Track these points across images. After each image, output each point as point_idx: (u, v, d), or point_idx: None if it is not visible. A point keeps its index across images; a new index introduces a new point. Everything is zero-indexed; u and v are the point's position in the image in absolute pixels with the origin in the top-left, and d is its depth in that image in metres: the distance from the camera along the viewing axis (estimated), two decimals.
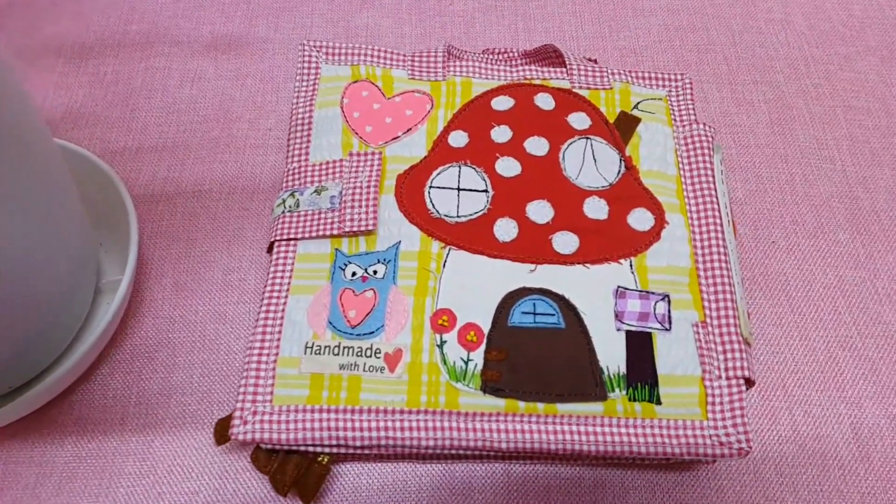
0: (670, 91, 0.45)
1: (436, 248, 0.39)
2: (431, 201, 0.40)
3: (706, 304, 0.38)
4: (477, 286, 0.38)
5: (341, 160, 0.41)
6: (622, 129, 0.43)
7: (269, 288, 0.38)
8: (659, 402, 0.36)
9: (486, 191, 0.40)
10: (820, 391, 0.42)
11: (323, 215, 0.39)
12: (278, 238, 0.40)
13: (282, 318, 0.37)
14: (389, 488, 0.39)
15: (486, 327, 0.37)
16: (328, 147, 0.42)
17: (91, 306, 0.44)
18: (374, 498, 0.39)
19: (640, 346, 0.37)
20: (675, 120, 0.44)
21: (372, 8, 0.57)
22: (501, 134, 0.42)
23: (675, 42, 0.55)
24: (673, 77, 0.45)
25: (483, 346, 0.36)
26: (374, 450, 0.36)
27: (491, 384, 0.36)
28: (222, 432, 0.37)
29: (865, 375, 0.42)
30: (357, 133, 0.42)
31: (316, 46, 0.45)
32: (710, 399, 0.36)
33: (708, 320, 0.38)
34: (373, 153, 0.41)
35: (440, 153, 0.41)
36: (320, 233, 0.39)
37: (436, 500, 0.39)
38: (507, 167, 0.41)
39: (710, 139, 0.42)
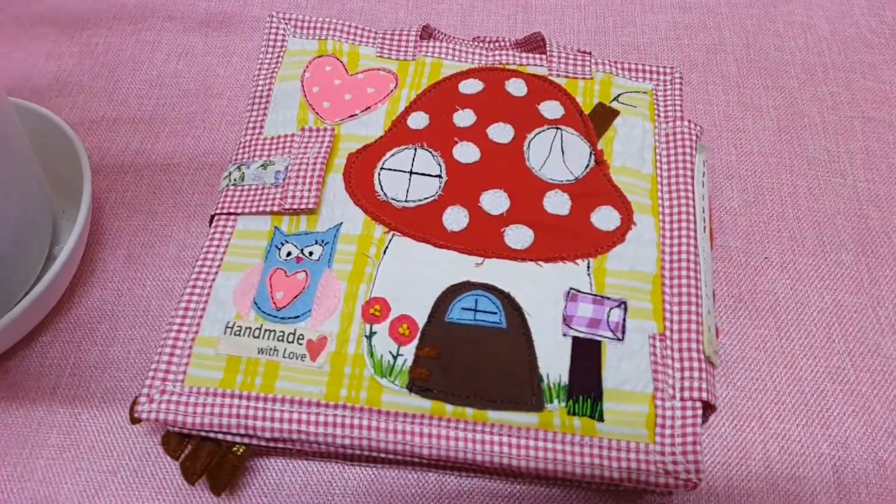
0: (657, 85, 0.42)
1: (378, 232, 0.36)
2: (380, 183, 0.37)
3: (668, 315, 0.35)
4: (417, 276, 0.35)
5: (293, 135, 0.39)
6: (597, 121, 0.39)
7: (199, 262, 0.36)
8: (601, 419, 0.32)
9: (439, 176, 0.37)
10: (801, 426, 0.37)
11: (266, 191, 0.37)
12: (218, 212, 0.38)
13: (208, 294, 0.35)
14: (313, 488, 0.36)
15: (421, 321, 0.34)
16: (283, 122, 0.40)
17: (43, 272, 0.42)
18: (295, 497, 0.36)
19: (586, 355, 0.33)
20: (658, 116, 0.40)
21: None
22: (464, 118, 0.39)
23: (684, 40, 0.51)
24: (662, 70, 0.42)
25: (416, 342, 0.34)
26: (286, 444, 0.33)
27: (419, 383, 0.33)
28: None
29: (856, 413, 0.38)
30: (314, 108, 0.40)
31: (285, 19, 0.43)
32: (659, 420, 0.32)
33: (668, 333, 0.34)
34: (325, 129, 0.38)
35: (397, 134, 0.39)
36: (260, 208, 0.37)
37: None
38: (466, 153, 0.38)
39: (693, 137, 0.39)
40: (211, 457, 0.35)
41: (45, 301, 0.39)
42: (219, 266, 0.36)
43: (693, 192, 0.37)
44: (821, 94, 0.48)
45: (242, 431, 0.33)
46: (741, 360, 0.39)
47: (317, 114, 0.39)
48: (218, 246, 0.37)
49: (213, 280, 0.36)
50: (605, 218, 0.37)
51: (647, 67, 0.42)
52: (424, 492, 0.36)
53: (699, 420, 0.32)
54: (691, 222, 0.36)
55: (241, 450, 0.34)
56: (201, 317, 0.35)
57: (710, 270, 0.36)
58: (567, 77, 0.41)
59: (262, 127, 0.40)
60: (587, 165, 0.38)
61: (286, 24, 0.43)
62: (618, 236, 0.36)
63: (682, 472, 0.31)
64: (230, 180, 0.38)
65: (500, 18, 0.53)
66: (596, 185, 0.37)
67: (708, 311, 0.35)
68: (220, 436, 0.33)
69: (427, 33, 0.43)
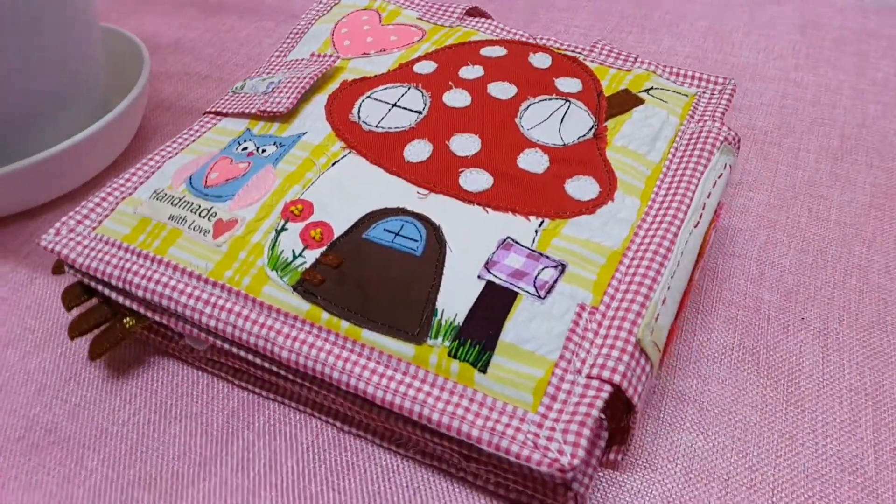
0: (703, 92, 0.37)
1: (336, 147, 0.34)
2: (359, 108, 0.35)
3: (611, 291, 0.28)
4: (354, 193, 0.32)
5: (304, 59, 0.39)
6: (615, 104, 0.35)
7: (169, 141, 0.36)
8: (483, 371, 0.26)
9: (419, 112, 0.35)
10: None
11: (254, 97, 0.37)
12: (208, 110, 0.38)
13: (158, 168, 0.35)
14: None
15: (337, 232, 0.31)
16: (303, 52, 0.40)
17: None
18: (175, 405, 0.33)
19: (494, 302, 0.28)
20: (691, 117, 0.35)
21: None
22: (471, 72, 0.37)
23: (788, 108, 0.46)
24: (713, 79, 0.37)
25: (323, 249, 0.30)
26: (156, 313, 0.31)
27: (306, 285, 0.29)
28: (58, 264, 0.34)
29: None
30: (335, 45, 0.40)
31: None
32: (550, 390, 0.26)
33: (602, 308, 0.28)
34: (329, 55, 0.38)
35: (398, 74, 0.37)
36: (240, 110, 0.36)
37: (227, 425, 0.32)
38: (456, 98, 0.35)
39: (719, 138, 0.33)
40: (100, 320, 0.33)
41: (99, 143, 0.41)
42: (182, 149, 0.36)
43: (695, 186, 0.31)
44: None
45: (120, 284, 0.31)
46: (726, 412, 0.31)
47: (334, 48, 0.39)
48: (191, 134, 0.37)
49: (170, 158, 0.35)
50: (581, 187, 0.32)
51: (698, 74, 0.37)
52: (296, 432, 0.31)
53: (599, 403, 0.25)
54: (680, 211, 0.30)
55: (131, 323, 0.33)
56: (142, 183, 0.34)
57: (689, 269, 0.29)
58: (601, 64, 0.38)
59: (285, 56, 0.41)
60: (582, 136, 0.34)
61: None
62: (588, 207, 0.31)
63: (555, 452, 0.24)
64: (233, 89, 0.39)
65: None
66: (584, 155, 0.33)
67: (662, 303, 0.28)
68: (100, 287, 0.32)
69: (476, 13, 0.42)
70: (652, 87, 0.36)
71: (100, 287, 0.32)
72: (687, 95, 0.36)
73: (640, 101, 0.35)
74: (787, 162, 0.43)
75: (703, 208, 0.31)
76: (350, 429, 0.31)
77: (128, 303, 0.32)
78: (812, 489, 0.28)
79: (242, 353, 0.30)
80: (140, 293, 0.30)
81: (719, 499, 0.28)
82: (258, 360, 0.30)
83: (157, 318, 0.31)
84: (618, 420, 0.29)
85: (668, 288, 0.28)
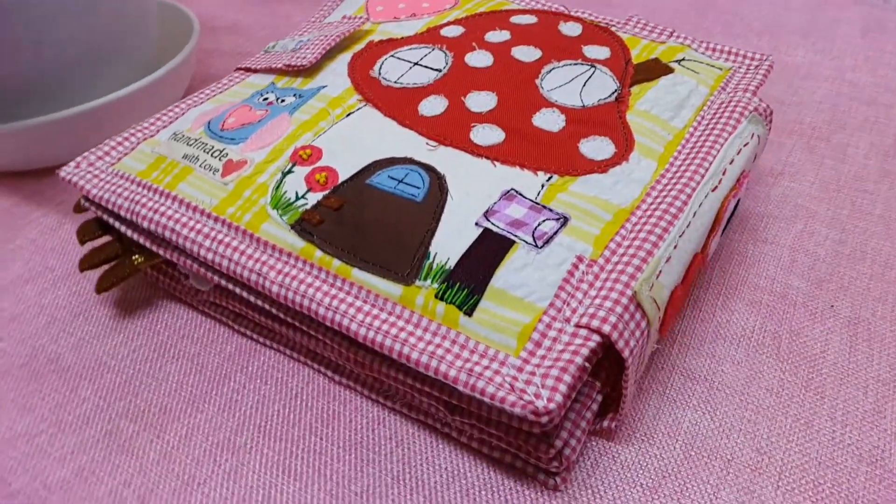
0: (738, 67, 0.35)
1: (353, 100, 0.34)
2: (381, 65, 0.35)
3: (613, 245, 0.27)
4: (364, 142, 0.32)
5: (335, 22, 0.39)
6: (642, 71, 0.34)
7: (197, 93, 0.37)
8: (469, 314, 0.25)
9: (439, 70, 0.34)
10: (784, 490, 0.26)
11: (283, 55, 0.37)
12: (239, 66, 0.38)
13: (182, 114, 0.35)
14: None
15: (342, 177, 0.30)
16: (337, 17, 0.40)
17: None
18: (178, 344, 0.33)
19: (489, 248, 0.27)
20: (722, 89, 0.34)
21: None
22: (497, 36, 0.36)
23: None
24: (750, 55, 0.35)
25: (326, 192, 0.30)
26: (161, 247, 0.31)
27: (304, 224, 0.29)
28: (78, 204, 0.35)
29: None
30: (367, 10, 0.40)
31: None
32: (535, 336, 0.25)
33: (601, 261, 0.26)
34: (359, 18, 0.38)
35: (424, 37, 0.37)
36: (268, 65, 0.37)
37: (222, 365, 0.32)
38: (478, 59, 0.35)
39: (748, 108, 0.31)
40: (110, 256, 0.34)
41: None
42: (207, 99, 0.36)
43: (717, 151, 0.30)
44: None
45: (128, 216, 0.31)
46: (738, 393, 0.29)
47: (367, 12, 0.39)
48: (219, 87, 0.37)
49: (195, 105, 0.36)
50: (595, 147, 0.30)
51: (734, 50, 0.36)
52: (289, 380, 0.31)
53: (584, 351, 0.24)
54: (697, 174, 0.29)
55: (139, 260, 0.33)
56: (164, 127, 0.35)
57: (702, 231, 0.28)
58: (634, 36, 0.36)
59: (320, 21, 0.41)
60: (603, 99, 0.32)
61: None
62: (601, 166, 0.30)
63: (531, 395, 0.23)
64: (266, 49, 0.39)
65: None
66: (602, 117, 0.32)
67: (667, 261, 0.26)
68: (112, 220, 0.32)
69: None
70: (684, 59, 0.35)
71: (112, 220, 0.32)
72: (721, 69, 0.35)
73: (670, 70, 0.34)
74: (833, 156, 0.41)
75: (724, 174, 0.29)
76: (340, 378, 0.30)
77: (136, 237, 0.32)
78: (823, 476, 0.26)
79: (238, 291, 0.30)
80: (146, 224, 0.30)
81: (719, 478, 0.26)
82: (253, 299, 0.29)
83: (162, 252, 0.31)
84: (613, 385, 0.27)
85: (675, 247, 0.26)
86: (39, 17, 0.38)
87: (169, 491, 0.27)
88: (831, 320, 0.32)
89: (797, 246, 0.35)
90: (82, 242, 0.34)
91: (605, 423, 0.27)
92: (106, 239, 0.34)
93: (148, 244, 0.32)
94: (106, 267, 0.34)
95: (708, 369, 0.30)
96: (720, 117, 0.31)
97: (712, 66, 0.35)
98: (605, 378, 0.27)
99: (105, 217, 0.33)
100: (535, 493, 0.26)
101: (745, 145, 0.30)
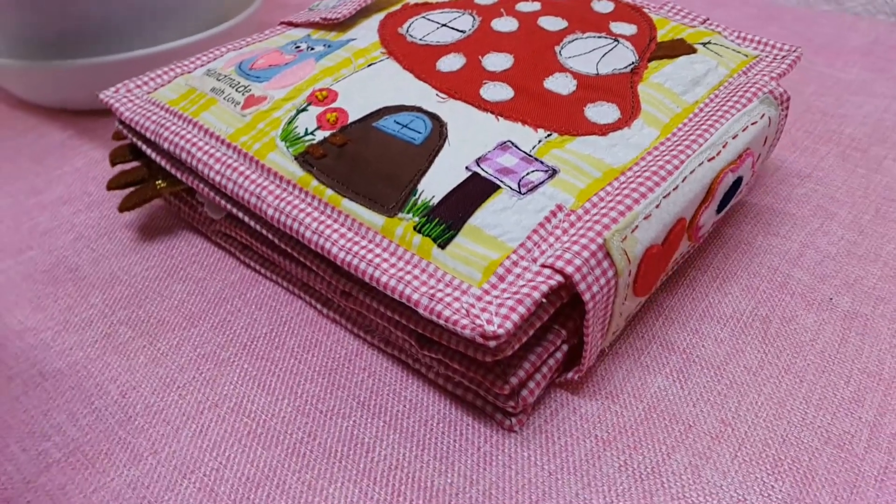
0: (766, 55, 0.35)
1: (377, 53, 0.35)
2: (410, 24, 0.37)
3: (596, 199, 0.27)
4: (379, 89, 0.33)
5: None
6: (664, 49, 0.34)
7: (239, 39, 0.39)
8: (442, 247, 0.26)
9: (464, 32, 0.35)
10: (746, 467, 0.25)
11: (322, 12, 0.39)
12: (282, 20, 0.40)
13: (222, 55, 0.38)
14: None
15: (352, 118, 0.32)
16: None
17: None
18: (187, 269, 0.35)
19: (473, 190, 0.27)
20: (744, 73, 0.34)
21: None
22: (528, 6, 0.37)
23: None
24: (779, 46, 0.35)
25: (334, 131, 0.31)
26: (179, 170, 0.33)
27: (307, 157, 0.30)
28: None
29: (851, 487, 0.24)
30: None
31: None
32: (500, 271, 0.25)
33: (580, 212, 0.27)
34: None
35: (458, 3, 0.38)
36: (307, 20, 0.39)
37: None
38: (504, 24, 0.36)
39: (762, 88, 0.31)
40: (137, 179, 0.36)
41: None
42: (247, 45, 0.38)
43: (719, 124, 0.30)
44: None
45: (152, 137, 0.33)
46: (713, 367, 0.28)
47: None
48: (261, 37, 0.39)
49: (235, 49, 0.38)
50: (600, 112, 0.31)
51: (765, 40, 0.36)
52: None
53: (543, 287, 0.24)
54: (696, 143, 0.29)
55: (162, 185, 0.35)
56: (203, 65, 0.37)
57: (691, 198, 0.28)
58: (664, 17, 0.37)
59: None
60: (618, 69, 0.33)
61: None
62: (602, 129, 0.30)
63: (483, 320, 0.23)
64: (311, 7, 0.41)
65: None
66: (613, 85, 0.32)
67: (646, 218, 0.26)
68: (138, 141, 0.34)
69: None
70: (710, 42, 0.35)
71: (141, 144, 0.35)
72: (747, 55, 0.35)
73: (693, 50, 0.34)
74: (867, 166, 0.40)
75: (724, 146, 0.29)
76: (328, 312, 0.31)
77: (160, 160, 0.34)
78: (784, 453, 0.25)
79: (241, 216, 0.31)
80: (167, 146, 0.32)
81: (676, 440, 0.26)
82: (254, 224, 0.31)
83: (180, 175, 0.33)
84: (581, 338, 0.27)
85: (657, 206, 0.26)
86: None
87: (149, 390, 0.29)
88: (827, 312, 0.31)
89: (808, 242, 0.35)
90: (113, 164, 0.36)
91: (570, 375, 0.27)
92: (136, 164, 0.37)
93: (169, 167, 0.34)
94: (132, 189, 0.36)
95: (688, 343, 0.30)
96: (733, 96, 0.31)
97: (738, 51, 0.35)
98: (573, 329, 0.27)
99: (135, 140, 0.35)
100: (490, 430, 0.26)
101: (752, 123, 0.30)
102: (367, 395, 0.28)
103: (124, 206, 0.35)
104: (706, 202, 0.29)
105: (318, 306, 0.32)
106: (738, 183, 0.30)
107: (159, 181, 0.35)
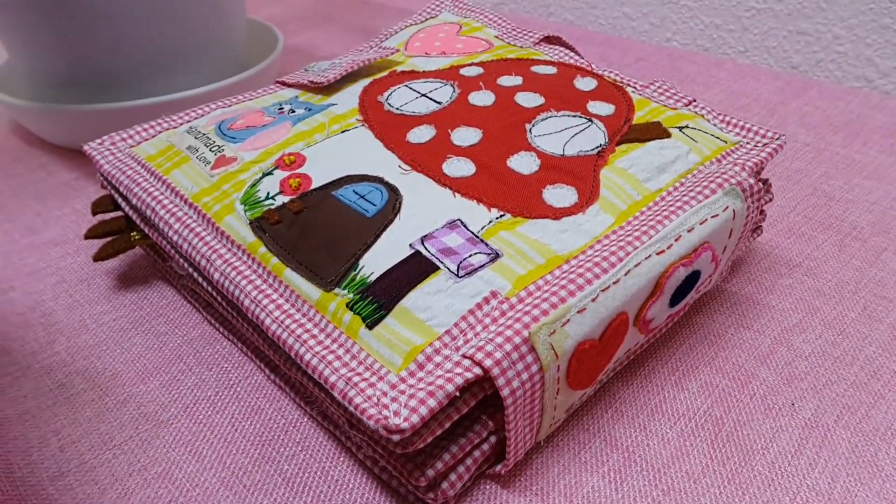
0: (746, 141, 0.34)
1: (353, 119, 0.35)
2: (392, 92, 0.37)
3: (533, 288, 0.27)
4: (347, 157, 0.33)
5: (372, 49, 0.41)
6: (636, 131, 0.33)
7: (231, 97, 0.40)
8: (371, 328, 0.26)
9: (441, 104, 0.35)
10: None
11: (312, 75, 0.40)
12: (278, 80, 0.41)
13: (209, 112, 0.38)
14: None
15: (314, 185, 0.32)
16: (379, 48, 0.42)
17: None
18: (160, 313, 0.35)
19: (412, 270, 0.27)
20: (718, 161, 0.32)
21: None
22: (510, 81, 0.37)
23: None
24: (762, 132, 0.34)
25: (294, 197, 0.31)
26: (145, 224, 0.34)
27: (262, 222, 0.30)
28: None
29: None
30: (406, 45, 0.41)
31: (451, 2, 0.46)
32: (420, 358, 0.25)
33: (514, 300, 0.26)
34: (391, 48, 0.40)
35: (444, 73, 0.38)
36: (298, 81, 0.39)
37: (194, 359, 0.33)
38: (481, 98, 0.35)
39: (729, 179, 0.30)
40: (114, 230, 0.36)
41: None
42: (238, 103, 0.39)
43: (675, 216, 0.29)
44: None
45: (124, 191, 0.34)
46: (654, 470, 0.27)
47: (405, 47, 0.41)
48: (252, 95, 0.40)
49: (224, 107, 0.39)
50: (558, 195, 0.30)
51: (748, 125, 0.34)
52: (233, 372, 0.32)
53: (458, 380, 0.23)
54: (646, 234, 0.28)
55: (136, 238, 0.36)
56: (188, 122, 0.38)
57: (634, 292, 0.27)
58: (646, 97, 0.36)
59: (364, 50, 0.43)
60: (584, 151, 0.32)
61: (450, 2, 0.46)
62: (556, 213, 0.29)
63: (391, 414, 0.23)
64: (306, 68, 0.42)
65: None
66: (576, 167, 0.31)
67: (579, 311, 0.25)
68: (117, 195, 0.35)
69: (555, 40, 0.42)
70: (687, 126, 0.34)
71: (117, 196, 0.35)
72: (725, 141, 0.34)
73: (666, 135, 0.33)
74: (863, 258, 0.38)
75: (677, 240, 0.28)
76: (275, 378, 0.31)
77: (132, 214, 0.35)
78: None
79: (196, 276, 0.32)
80: (135, 201, 0.33)
81: None
82: (206, 285, 0.31)
83: (147, 230, 0.34)
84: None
85: (594, 300, 0.26)
86: (132, 16, 0.43)
87: (87, 446, 0.29)
88: (787, 418, 0.29)
89: (782, 339, 0.33)
90: (94, 213, 0.37)
91: (497, 469, 0.26)
92: (116, 214, 0.38)
93: (138, 221, 0.35)
94: (108, 239, 0.37)
95: (632, 440, 0.28)
96: (698, 186, 0.30)
97: (717, 137, 0.34)
98: (503, 420, 0.26)
99: (112, 193, 0.36)
100: None
101: (713, 216, 0.29)
102: (295, 472, 0.28)
103: (99, 256, 0.36)
104: (654, 297, 0.28)
105: (267, 371, 0.32)
106: (694, 276, 0.29)
107: (134, 233, 0.36)
